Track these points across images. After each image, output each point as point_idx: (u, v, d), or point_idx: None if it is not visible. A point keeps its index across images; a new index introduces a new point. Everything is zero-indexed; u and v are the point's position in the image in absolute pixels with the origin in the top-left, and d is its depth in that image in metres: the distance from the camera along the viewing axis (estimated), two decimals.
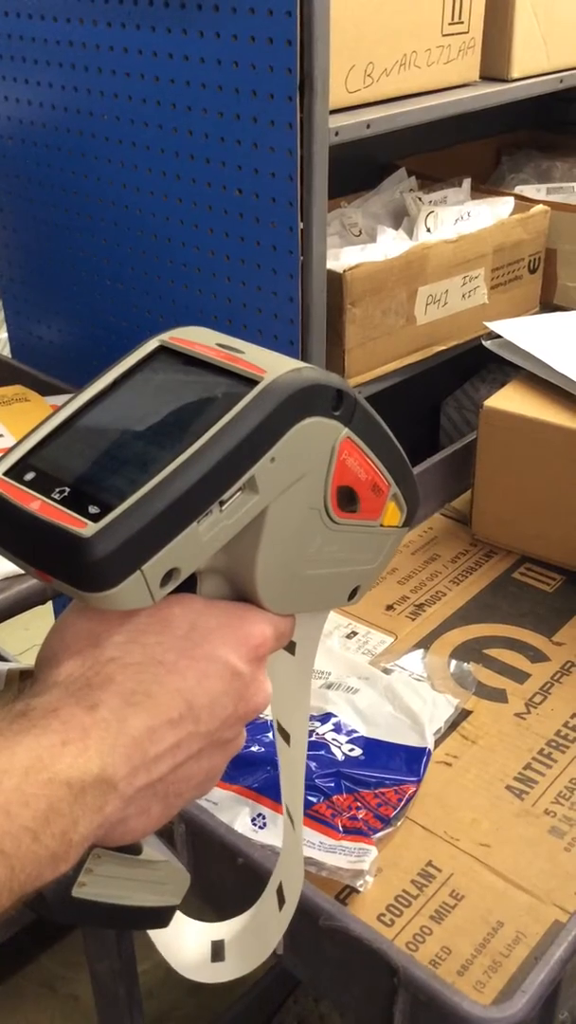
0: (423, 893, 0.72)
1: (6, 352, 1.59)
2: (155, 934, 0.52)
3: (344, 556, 0.48)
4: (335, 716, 0.87)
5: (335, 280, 1.18)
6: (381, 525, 0.49)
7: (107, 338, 1.41)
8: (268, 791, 0.78)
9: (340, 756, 0.83)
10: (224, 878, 0.74)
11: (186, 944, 0.55)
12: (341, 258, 1.26)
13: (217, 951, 0.55)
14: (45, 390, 1.28)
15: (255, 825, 0.76)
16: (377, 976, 0.63)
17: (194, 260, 1.24)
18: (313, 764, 0.81)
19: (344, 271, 1.19)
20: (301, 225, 1.09)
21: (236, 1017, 1.28)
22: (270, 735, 0.84)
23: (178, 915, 0.52)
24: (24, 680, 1.60)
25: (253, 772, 0.80)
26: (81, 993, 1.46)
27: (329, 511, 0.45)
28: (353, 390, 0.45)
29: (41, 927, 1.46)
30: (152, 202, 1.25)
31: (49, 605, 1.75)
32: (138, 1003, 1.01)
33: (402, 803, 0.79)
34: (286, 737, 0.51)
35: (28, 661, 1.76)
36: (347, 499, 0.46)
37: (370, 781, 0.80)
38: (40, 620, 1.78)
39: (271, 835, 0.75)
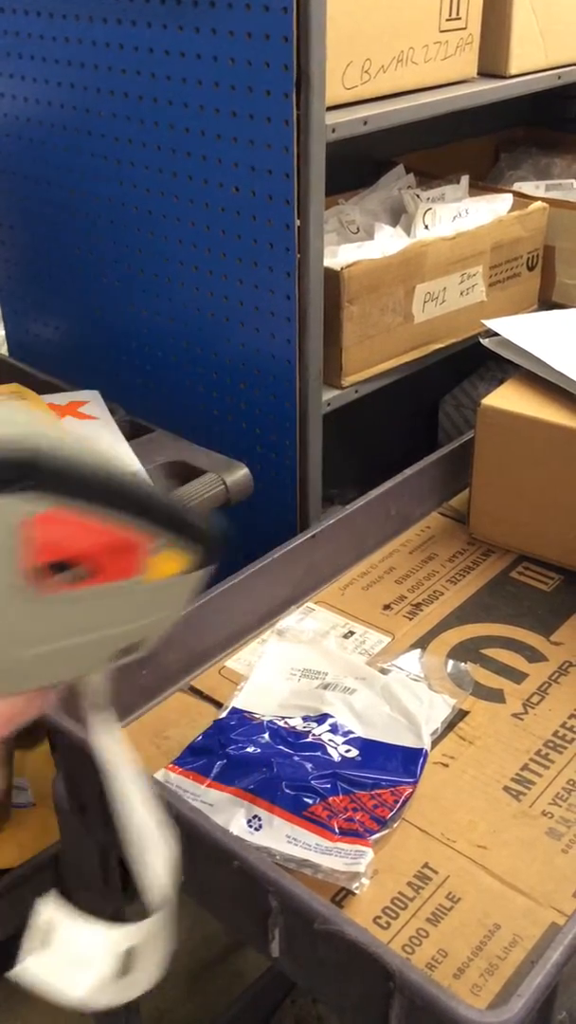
0: (419, 895, 0.72)
1: (3, 351, 1.59)
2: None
3: (88, 623, 0.44)
4: (332, 717, 0.87)
5: (332, 278, 1.17)
6: (147, 580, 0.44)
7: (105, 336, 1.41)
8: (264, 792, 0.78)
9: (337, 757, 0.82)
10: (219, 881, 0.73)
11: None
12: (338, 256, 1.26)
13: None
14: (42, 389, 1.28)
15: (251, 827, 0.76)
16: (373, 980, 0.62)
17: (191, 258, 1.23)
18: (309, 765, 0.81)
19: (341, 269, 1.18)
20: (298, 222, 1.09)
21: (233, 1018, 1.27)
22: (265, 736, 0.84)
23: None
24: None
25: (248, 773, 0.79)
26: None
27: (36, 591, 0.40)
28: (51, 451, 0.37)
29: None
30: (149, 199, 1.24)
31: None
32: (135, 1005, 1.01)
33: (398, 804, 0.78)
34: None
35: None
36: (67, 570, 0.41)
37: (366, 782, 0.80)
38: None
39: (267, 837, 0.75)
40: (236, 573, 0.99)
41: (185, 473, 1.12)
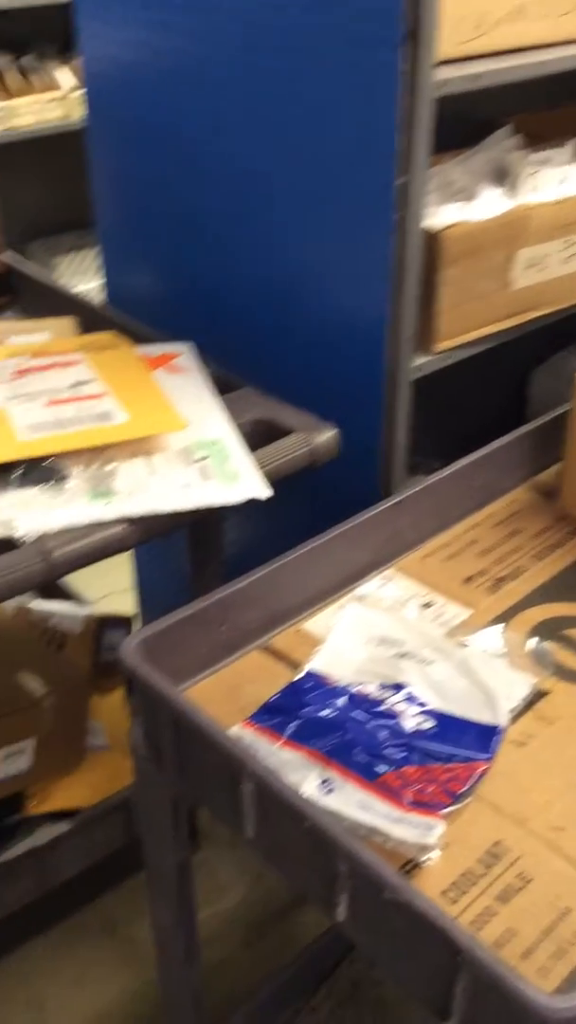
0: (490, 873, 0.71)
1: (102, 300, 1.59)
2: None
3: None
4: (408, 687, 0.86)
5: (431, 239, 1.14)
6: None
7: (201, 290, 1.40)
8: (337, 756, 0.77)
9: (411, 728, 0.82)
10: (288, 840, 0.74)
11: None
12: (439, 216, 1.22)
13: None
14: (137, 338, 1.28)
15: (323, 790, 0.76)
16: (439, 954, 0.62)
17: (291, 214, 1.21)
18: (384, 733, 0.80)
19: (441, 230, 1.15)
20: (401, 180, 1.06)
21: (291, 974, 1.29)
22: (340, 701, 0.84)
23: None
24: (101, 628, 1.62)
25: (323, 736, 0.79)
26: (138, 936, 1.50)
27: None
28: None
29: (104, 868, 1.49)
30: (250, 151, 1.23)
31: (129, 553, 1.78)
32: (196, 951, 1.03)
33: (472, 780, 0.77)
34: None
35: (106, 607, 1.78)
36: None
37: (440, 755, 0.79)
38: (118, 568, 1.81)
39: (338, 801, 0.74)
40: (318, 536, 0.98)
41: (272, 432, 1.12)
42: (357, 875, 0.67)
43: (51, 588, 1.76)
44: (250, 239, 1.29)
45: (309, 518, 1.06)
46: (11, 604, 1.61)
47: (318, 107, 1.11)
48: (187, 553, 1.27)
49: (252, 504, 1.00)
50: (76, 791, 1.44)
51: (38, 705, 1.36)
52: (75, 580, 1.81)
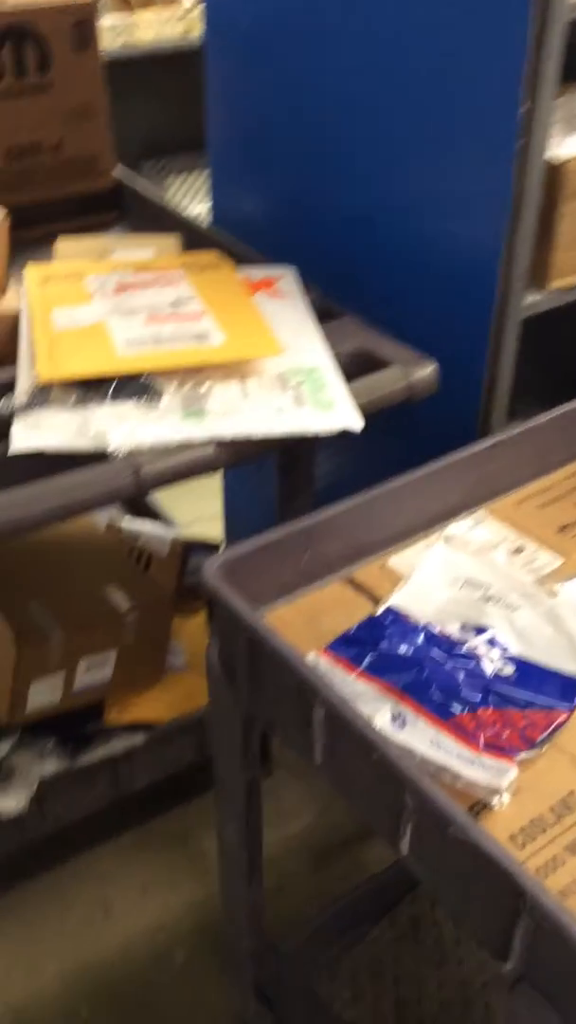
0: (560, 823, 0.70)
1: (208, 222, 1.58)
2: None
3: None
4: (491, 631, 0.84)
5: (552, 171, 1.09)
6: None
7: (308, 216, 1.37)
8: (412, 692, 0.77)
9: (490, 672, 0.80)
10: (358, 770, 0.73)
11: None
12: (563, 148, 1.16)
13: None
14: (240, 260, 1.26)
15: (395, 724, 0.75)
16: (501, 896, 0.61)
17: (407, 139, 1.17)
18: (462, 674, 0.79)
19: (564, 162, 1.09)
20: (526, 106, 1.01)
21: (352, 902, 1.31)
22: (419, 638, 0.82)
23: None
24: (187, 551, 1.64)
25: (399, 672, 0.78)
26: (208, 850, 1.53)
27: None
28: None
29: (179, 782, 1.53)
30: (370, 72, 1.18)
31: (219, 480, 1.78)
32: (259, 870, 1.05)
33: (551, 729, 0.75)
34: None
35: (195, 532, 1.80)
36: None
37: (519, 701, 0.77)
38: (209, 495, 1.82)
39: (410, 736, 0.74)
40: (410, 472, 0.96)
41: (370, 363, 1.09)
42: (423, 810, 0.66)
43: (142, 509, 1.78)
44: (365, 165, 1.25)
45: (403, 453, 1.04)
46: (103, 521, 1.64)
47: (444, 24, 1.06)
48: (276, 482, 1.27)
49: (345, 435, 0.99)
50: (153, 706, 1.47)
51: (122, 619, 1.39)
52: (166, 502, 1.83)
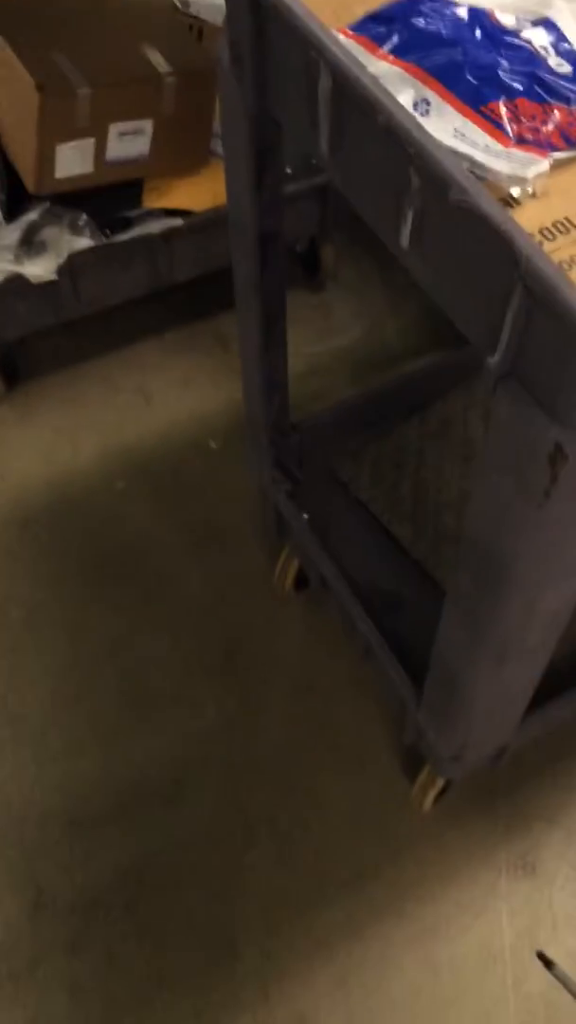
0: None
1: None
2: None
3: None
4: (553, 23, 0.69)
5: None
6: None
7: None
8: (442, 75, 0.65)
9: (542, 64, 0.67)
10: (363, 156, 0.64)
11: None
12: None
13: None
14: None
15: (417, 111, 0.64)
16: (500, 270, 0.54)
17: None
18: (506, 61, 0.66)
19: None
20: None
21: (381, 394, 1.29)
22: (466, 17, 0.68)
23: None
24: None
25: (430, 53, 0.65)
26: None
27: None
28: None
29: (222, 283, 1.48)
30: None
31: None
32: (276, 329, 1.01)
33: None
34: None
35: None
36: None
37: (570, 96, 0.65)
38: None
39: (432, 125, 0.63)
40: None
41: None
42: (426, 176, 0.57)
43: None
44: None
45: None
46: None
47: None
48: None
49: None
50: (194, 193, 1.37)
51: (160, 82, 1.25)
52: None
